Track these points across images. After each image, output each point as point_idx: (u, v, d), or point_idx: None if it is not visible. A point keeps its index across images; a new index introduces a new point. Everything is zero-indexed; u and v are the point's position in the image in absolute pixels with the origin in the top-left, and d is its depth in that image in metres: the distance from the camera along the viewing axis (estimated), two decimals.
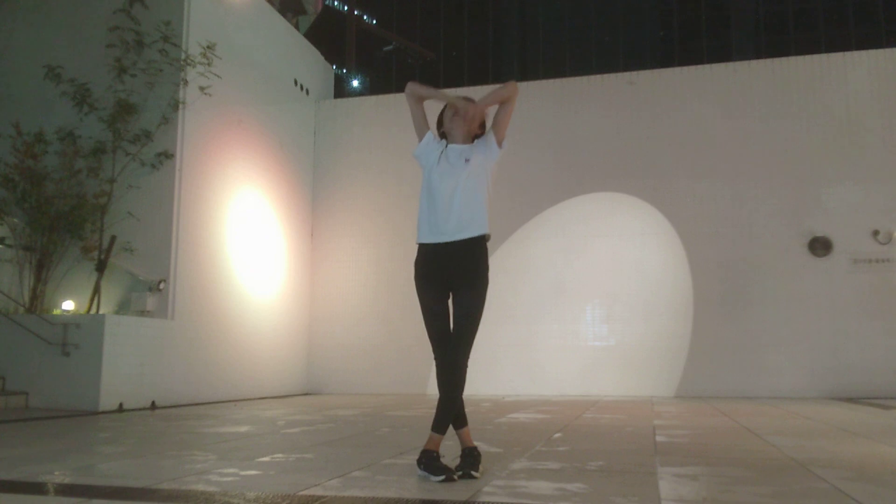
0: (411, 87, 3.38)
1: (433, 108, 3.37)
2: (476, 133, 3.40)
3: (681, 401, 8.98)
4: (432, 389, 9.56)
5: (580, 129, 10.95)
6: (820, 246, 9.92)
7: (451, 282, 3.22)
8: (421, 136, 3.40)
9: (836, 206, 9.94)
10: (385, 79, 38.79)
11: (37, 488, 2.95)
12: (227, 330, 9.17)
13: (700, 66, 11.15)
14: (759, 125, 10.37)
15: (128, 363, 7.34)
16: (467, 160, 3.25)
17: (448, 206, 3.20)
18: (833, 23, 33.89)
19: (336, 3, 35.72)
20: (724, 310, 10.03)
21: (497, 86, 3.39)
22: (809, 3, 34.56)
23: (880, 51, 10.43)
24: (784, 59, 10.72)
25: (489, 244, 3.32)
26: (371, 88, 38.06)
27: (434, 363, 3.26)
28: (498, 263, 10.54)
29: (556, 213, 10.80)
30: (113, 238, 8.00)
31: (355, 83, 35.59)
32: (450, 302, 3.29)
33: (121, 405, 7.14)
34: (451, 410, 3.18)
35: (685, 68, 11.23)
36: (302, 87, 11.62)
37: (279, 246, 10.68)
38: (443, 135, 3.42)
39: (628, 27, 37.05)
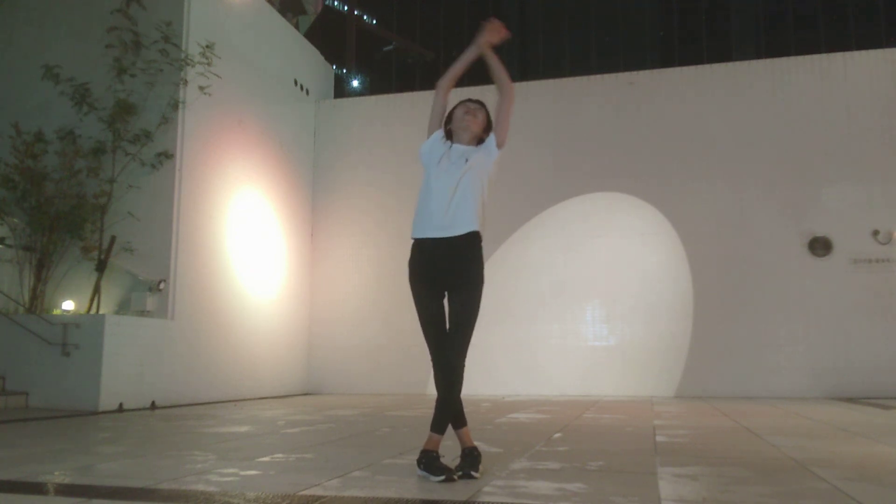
0: (442, 80, 3.44)
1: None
2: (481, 137, 3.42)
3: (681, 401, 8.98)
4: (432, 390, 9.55)
5: (580, 129, 10.95)
6: (820, 246, 9.92)
7: (446, 280, 3.23)
8: (430, 133, 3.44)
9: (836, 206, 9.94)
10: (385, 79, 38.76)
11: (37, 488, 2.95)
12: (227, 330, 9.17)
13: (700, 66, 11.16)
14: (759, 125, 10.37)
15: (128, 363, 7.34)
16: (466, 159, 3.29)
17: (444, 203, 3.22)
18: (833, 23, 33.87)
19: (336, 3, 35.71)
20: (724, 310, 10.03)
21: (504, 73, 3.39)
22: (809, 3, 34.54)
23: (880, 51, 10.43)
24: (784, 59, 10.72)
25: (486, 245, 3.33)
26: (371, 88, 38.03)
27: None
28: (498, 263, 10.57)
29: (556, 212, 10.80)
30: (113, 238, 8.00)
31: (355, 83, 35.58)
32: (445, 302, 3.29)
33: (121, 405, 7.14)
34: (449, 410, 3.19)
35: (685, 68, 11.23)
36: (302, 87, 11.62)
37: (279, 246, 10.68)
38: (449, 133, 3.44)
39: (628, 27, 37.01)
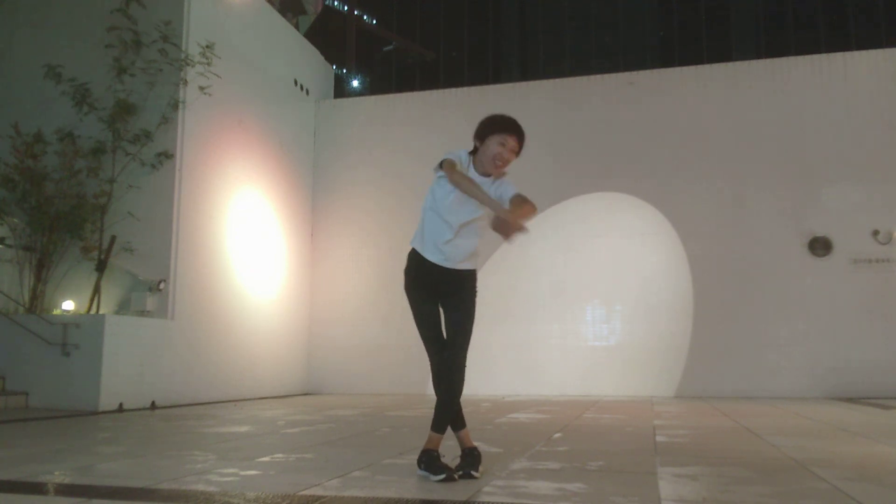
0: (453, 175, 3.07)
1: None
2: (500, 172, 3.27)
3: (681, 401, 8.98)
4: (432, 390, 9.55)
5: (580, 129, 10.95)
6: (820, 246, 9.92)
7: (445, 288, 3.25)
8: (458, 163, 3.15)
9: (836, 206, 9.93)
10: (385, 79, 38.77)
11: (37, 488, 2.95)
12: (227, 330, 9.17)
13: (700, 66, 11.16)
14: (758, 125, 10.37)
15: (128, 363, 7.34)
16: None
17: (450, 234, 3.17)
18: (833, 23, 33.88)
19: (336, 3, 35.71)
20: (724, 310, 10.03)
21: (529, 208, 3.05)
22: (809, 3, 34.54)
23: (880, 51, 10.43)
24: (784, 59, 10.72)
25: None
26: (371, 88, 38.03)
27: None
28: (497, 263, 10.56)
29: (556, 212, 10.79)
30: (113, 238, 8.00)
31: (355, 83, 35.59)
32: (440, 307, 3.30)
33: (121, 405, 7.14)
34: (450, 411, 3.21)
35: (685, 68, 11.23)
36: (302, 87, 11.62)
37: (279, 246, 10.68)
38: (474, 148, 3.28)
39: (628, 27, 37.03)
